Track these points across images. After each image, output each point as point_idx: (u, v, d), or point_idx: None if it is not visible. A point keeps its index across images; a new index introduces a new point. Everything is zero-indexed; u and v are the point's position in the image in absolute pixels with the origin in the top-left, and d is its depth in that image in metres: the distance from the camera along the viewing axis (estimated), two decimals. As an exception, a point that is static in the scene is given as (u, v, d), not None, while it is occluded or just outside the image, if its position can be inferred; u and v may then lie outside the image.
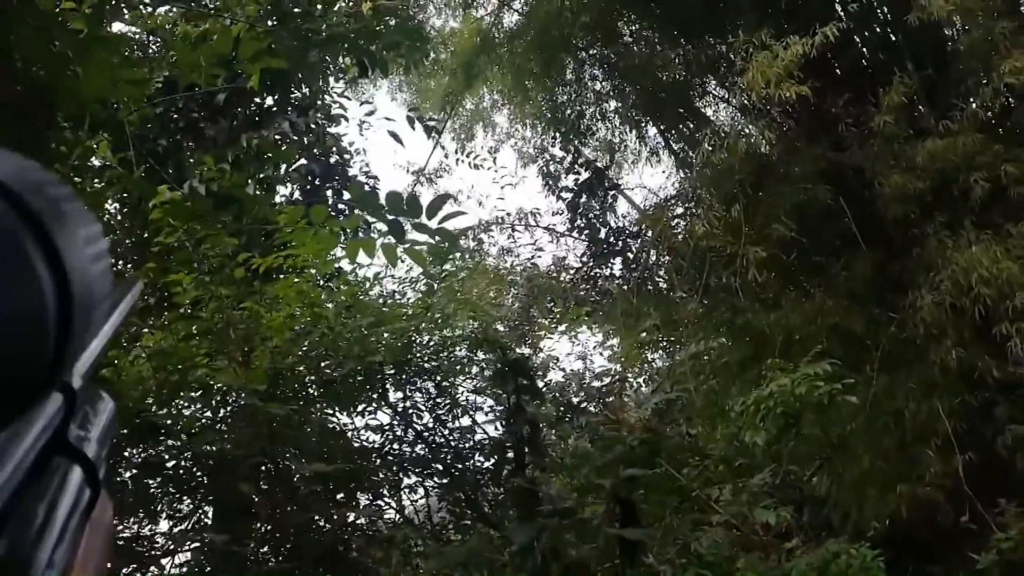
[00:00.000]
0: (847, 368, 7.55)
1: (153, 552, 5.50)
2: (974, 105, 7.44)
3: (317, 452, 5.03)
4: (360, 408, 5.68)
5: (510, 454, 4.82)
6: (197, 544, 5.64)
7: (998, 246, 6.79)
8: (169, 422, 4.65)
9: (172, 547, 5.94)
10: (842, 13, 8.29)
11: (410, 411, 5.50)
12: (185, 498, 5.44)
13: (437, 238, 3.17)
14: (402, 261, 4.45)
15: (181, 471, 5.14)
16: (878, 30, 8.53)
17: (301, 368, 4.56)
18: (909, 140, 7.51)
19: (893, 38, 8.25)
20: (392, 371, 5.41)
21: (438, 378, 5.67)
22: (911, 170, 7.31)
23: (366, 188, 7.13)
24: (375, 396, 5.48)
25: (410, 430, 5.53)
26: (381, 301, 5.32)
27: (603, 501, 4.61)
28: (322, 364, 4.86)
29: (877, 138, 7.61)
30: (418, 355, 5.36)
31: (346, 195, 7.88)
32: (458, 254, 5.41)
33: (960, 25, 7.90)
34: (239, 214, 4.31)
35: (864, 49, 8.75)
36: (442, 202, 2.82)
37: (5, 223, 0.26)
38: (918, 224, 7.46)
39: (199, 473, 5.11)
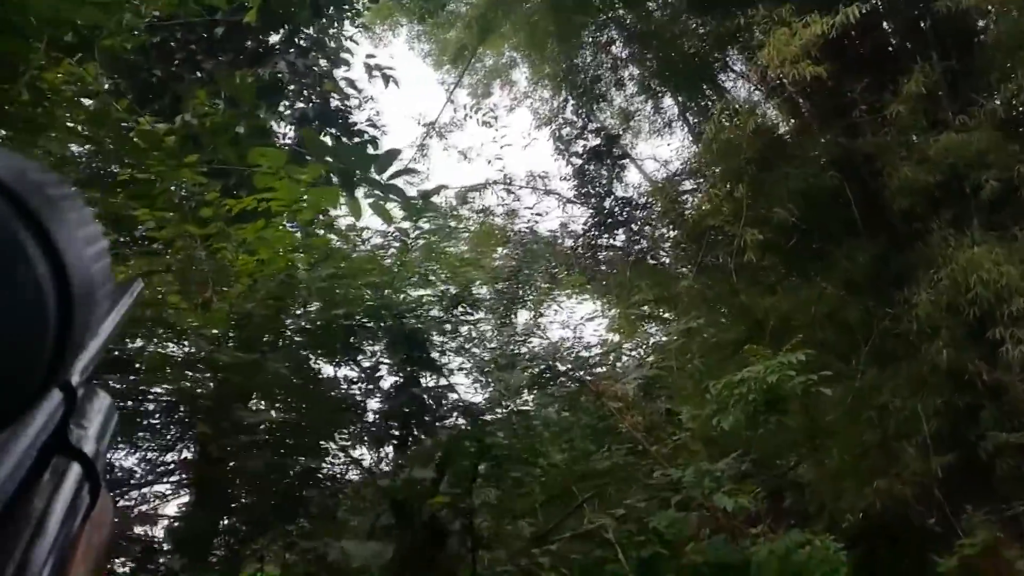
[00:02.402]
0: (837, 359, 7.45)
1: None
2: (996, 101, 7.18)
3: (283, 398, 5.02)
4: (336, 360, 5.66)
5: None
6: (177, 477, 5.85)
7: (1001, 248, 6.61)
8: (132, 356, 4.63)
9: (149, 479, 6.09)
10: (869, -8, 7.98)
11: (379, 367, 5.49)
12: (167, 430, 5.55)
13: (399, 196, 3.07)
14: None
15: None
16: (904, 14, 8.20)
17: (263, 314, 4.51)
18: (924, 132, 7.29)
19: (920, 24, 7.93)
20: (369, 323, 5.36)
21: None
22: (922, 163, 7.11)
23: (326, 137, 7.02)
24: (350, 347, 5.45)
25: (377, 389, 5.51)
26: (356, 255, 5.23)
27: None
28: (281, 315, 4.81)
29: (891, 127, 7.38)
30: (392, 312, 5.29)
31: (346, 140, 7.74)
32: (432, 213, 5.29)
33: (993, 16, 7.58)
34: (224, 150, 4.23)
35: (888, 33, 8.43)
36: (392, 157, 2.72)
37: (5, 222, 0.26)
38: (923, 219, 7.28)
39: (182, 408, 5.15)
